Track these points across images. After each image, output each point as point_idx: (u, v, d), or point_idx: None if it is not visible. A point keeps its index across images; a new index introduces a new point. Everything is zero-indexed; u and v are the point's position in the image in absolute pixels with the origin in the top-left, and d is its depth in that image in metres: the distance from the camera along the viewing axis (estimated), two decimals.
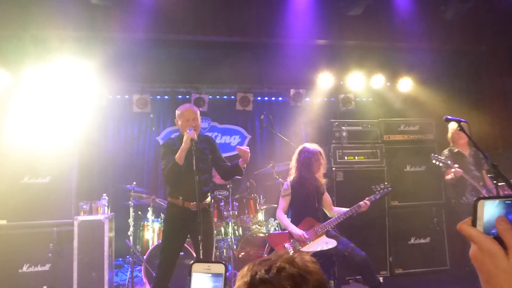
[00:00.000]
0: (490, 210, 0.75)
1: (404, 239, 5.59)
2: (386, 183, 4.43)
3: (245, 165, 3.67)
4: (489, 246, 0.71)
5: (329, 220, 4.15)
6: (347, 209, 4.19)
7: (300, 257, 1.03)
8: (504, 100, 4.16)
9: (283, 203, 4.33)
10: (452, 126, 4.78)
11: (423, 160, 5.73)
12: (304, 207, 4.26)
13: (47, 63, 5.21)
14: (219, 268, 1.21)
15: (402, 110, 6.53)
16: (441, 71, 6.18)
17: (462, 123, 3.27)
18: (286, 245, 4.11)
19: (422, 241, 5.64)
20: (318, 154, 4.30)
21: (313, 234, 4.09)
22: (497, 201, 0.74)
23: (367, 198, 4.18)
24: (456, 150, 4.81)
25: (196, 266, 1.22)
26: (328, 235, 4.11)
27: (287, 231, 4.19)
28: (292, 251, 4.03)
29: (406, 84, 6.51)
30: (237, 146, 3.59)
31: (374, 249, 5.36)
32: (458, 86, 6.03)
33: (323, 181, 4.40)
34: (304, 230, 4.10)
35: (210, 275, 1.20)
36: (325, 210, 4.45)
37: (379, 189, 4.31)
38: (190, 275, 1.21)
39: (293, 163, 4.43)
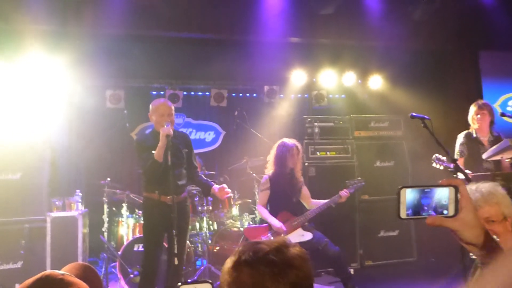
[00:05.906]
0: (410, 196, 0.94)
1: (373, 232, 5.76)
2: (359, 178, 4.59)
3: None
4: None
5: (305, 213, 4.25)
6: (326, 200, 4.29)
7: (293, 248, 1.00)
8: (467, 98, 4.37)
9: (262, 197, 4.40)
10: (473, 107, 4.40)
11: (392, 156, 5.95)
12: (281, 201, 4.33)
13: (18, 57, 5.10)
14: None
15: (373, 107, 6.72)
16: (409, 70, 6.37)
17: (426, 120, 3.41)
18: (263, 238, 4.22)
19: (391, 233, 5.83)
20: (294, 149, 4.31)
21: (289, 227, 4.19)
22: (414, 188, 0.94)
23: (344, 190, 4.29)
24: (474, 136, 4.39)
25: None
26: (304, 228, 4.22)
27: (264, 225, 4.31)
28: None
29: (376, 82, 6.70)
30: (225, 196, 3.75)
31: (345, 242, 5.51)
32: (425, 84, 6.24)
33: (300, 177, 4.45)
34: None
35: None
36: (303, 203, 4.52)
37: (352, 183, 4.45)
38: None
39: (270, 157, 4.45)
